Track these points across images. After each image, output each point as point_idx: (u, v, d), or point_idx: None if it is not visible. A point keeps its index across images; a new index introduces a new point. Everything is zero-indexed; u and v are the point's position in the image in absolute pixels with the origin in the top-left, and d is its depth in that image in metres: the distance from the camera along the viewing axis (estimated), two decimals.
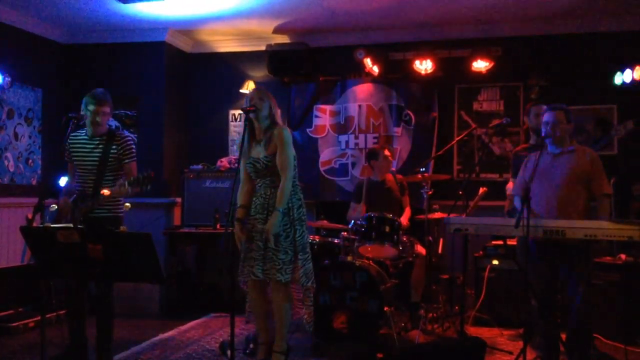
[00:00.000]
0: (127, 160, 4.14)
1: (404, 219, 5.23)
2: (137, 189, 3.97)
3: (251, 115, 3.88)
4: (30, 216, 3.62)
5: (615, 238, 3.54)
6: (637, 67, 5.33)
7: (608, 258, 4.89)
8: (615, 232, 3.51)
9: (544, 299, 3.92)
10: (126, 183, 3.86)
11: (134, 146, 4.20)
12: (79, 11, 5.79)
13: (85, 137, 4.16)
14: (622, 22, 5.80)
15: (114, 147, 4.10)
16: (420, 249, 5.17)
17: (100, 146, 4.10)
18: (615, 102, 5.86)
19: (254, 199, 3.98)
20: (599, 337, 4.54)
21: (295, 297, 4.18)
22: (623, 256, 4.88)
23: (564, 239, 3.65)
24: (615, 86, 5.58)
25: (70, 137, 4.13)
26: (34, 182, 6.09)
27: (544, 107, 4.70)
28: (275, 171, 3.88)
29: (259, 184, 3.97)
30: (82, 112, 4.10)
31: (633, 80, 5.39)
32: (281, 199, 3.80)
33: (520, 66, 6.06)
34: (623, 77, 5.48)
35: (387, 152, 5.52)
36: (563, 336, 3.95)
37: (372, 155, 5.59)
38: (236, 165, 3.97)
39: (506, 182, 5.31)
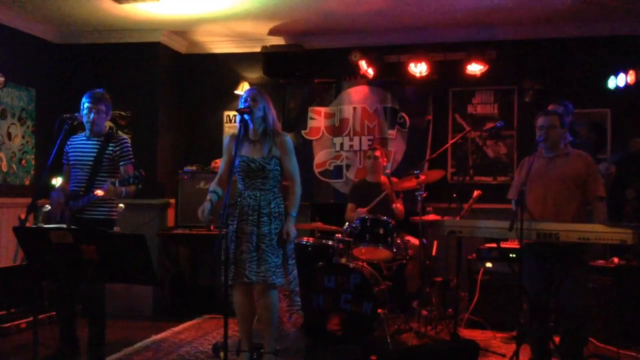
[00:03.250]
0: (123, 162, 4.12)
1: (398, 207, 5.24)
2: (132, 189, 3.96)
3: (246, 116, 3.89)
4: (23, 216, 3.61)
5: (609, 241, 3.55)
6: (631, 72, 5.35)
7: (601, 261, 4.91)
8: (608, 235, 3.52)
9: (536, 301, 3.93)
10: (117, 182, 3.85)
11: (130, 148, 4.19)
12: (74, 11, 5.76)
13: (84, 138, 4.16)
14: (616, 26, 5.83)
15: (110, 147, 4.09)
16: (414, 241, 5.18)
17: (97, 146, 4.09)
18: (608, 107, 5.88)
19: (239, 199, 3.97)
20: (592, 340, 4.55)
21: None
22: (616, 259, 4.90)
23: (557, 242, 3.67)
24: (609, 90, 5.60)
25: (70, 141, 4.15)
26: (27, 183, 6.07)
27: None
28: (269, 174, 3.90)
29: (246, 185, 3.96)
30: (81, 112, 4.10)
31: (627, 85, 5.41)
32: (294, 203, 3.96)
33: (515, 70, 6.07)
34: (617, 82, 5.50)
35: (377, 153, 5.53)
36: (556, 339, 3.96)
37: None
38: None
39: (500, 184, 5.33)
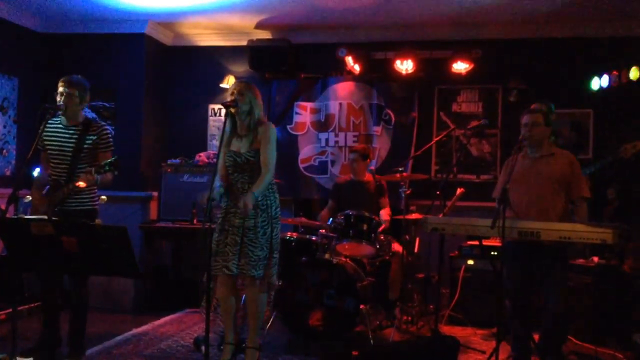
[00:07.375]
0: (102, 150, 4.06)
1: (386, 215, 5.24)
2: (108, 177, 3.90)
3: (231, 109, 3.86)
4: (3, 207, 3.56)
5: (589, 241, 3.58)
6: (614, 73, 5.41)
7: (581, 260, 4.97)
8: (589, 234, 3.55)
9: (517, 299, 3.97)
10: (92, 170, 3.79)
11: (110, 136, 4.14)
12: (58, 0, 5.70)
13: (61, 125, 4.07)
14: (600, 28, 5.88)
15: (89, 136, 4.03)
16: (397, 247, 5.20)
17: (76, 135, 4.03)
18: (591, 107, 5.94)
19: (229, 193, 3.95)
20: (571, 338, 4.61)
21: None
22: (596, 259, 4.96)
23: (538, 241, 3.70)
24: (592, 91, 5.66)
25: (46, 125, 4.06)
26: (8, 173, 5.99)
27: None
28: (255, 168, 3.87)
29: (236, 179, 3.94)
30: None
31: (609, 86, 5.47)
32: (259, 185, 3.76)
33: (500, 69, 6.11)
34: (600, 82, 5.56)
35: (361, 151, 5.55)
36: (535, 337, 4.00)
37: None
38: (214, 160, 3.90)
39: (483, 183, 5.36)
